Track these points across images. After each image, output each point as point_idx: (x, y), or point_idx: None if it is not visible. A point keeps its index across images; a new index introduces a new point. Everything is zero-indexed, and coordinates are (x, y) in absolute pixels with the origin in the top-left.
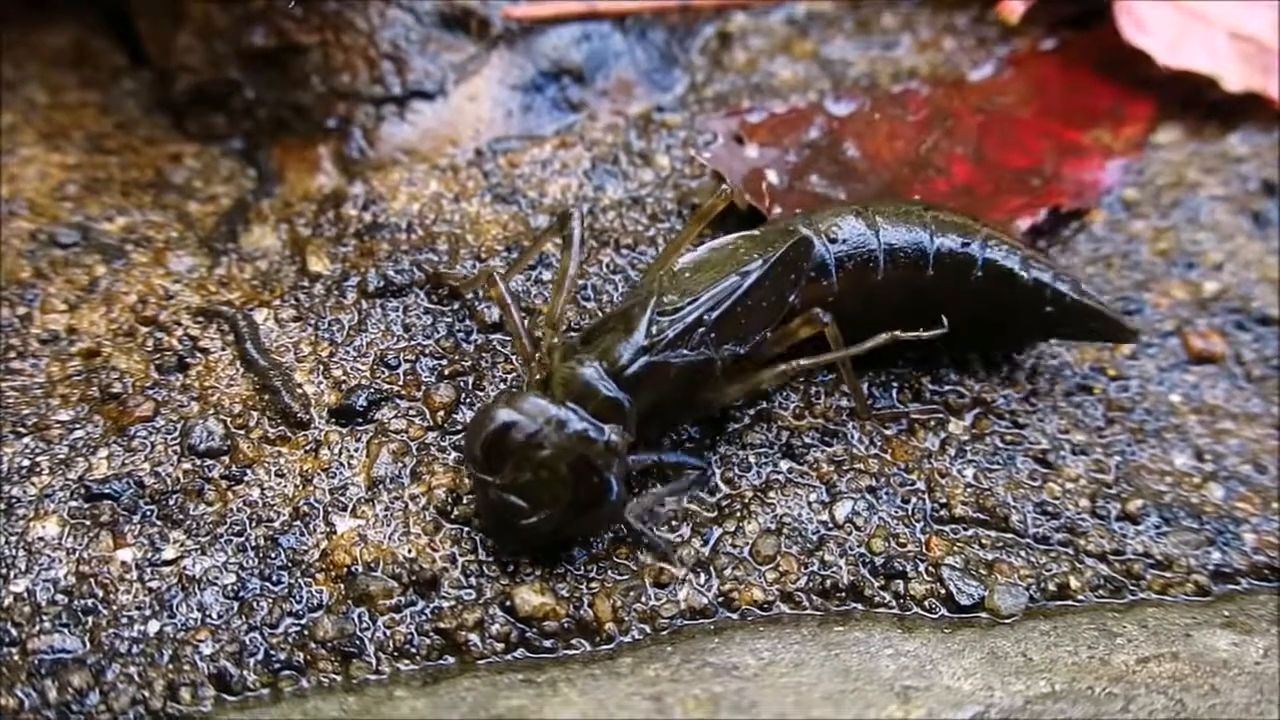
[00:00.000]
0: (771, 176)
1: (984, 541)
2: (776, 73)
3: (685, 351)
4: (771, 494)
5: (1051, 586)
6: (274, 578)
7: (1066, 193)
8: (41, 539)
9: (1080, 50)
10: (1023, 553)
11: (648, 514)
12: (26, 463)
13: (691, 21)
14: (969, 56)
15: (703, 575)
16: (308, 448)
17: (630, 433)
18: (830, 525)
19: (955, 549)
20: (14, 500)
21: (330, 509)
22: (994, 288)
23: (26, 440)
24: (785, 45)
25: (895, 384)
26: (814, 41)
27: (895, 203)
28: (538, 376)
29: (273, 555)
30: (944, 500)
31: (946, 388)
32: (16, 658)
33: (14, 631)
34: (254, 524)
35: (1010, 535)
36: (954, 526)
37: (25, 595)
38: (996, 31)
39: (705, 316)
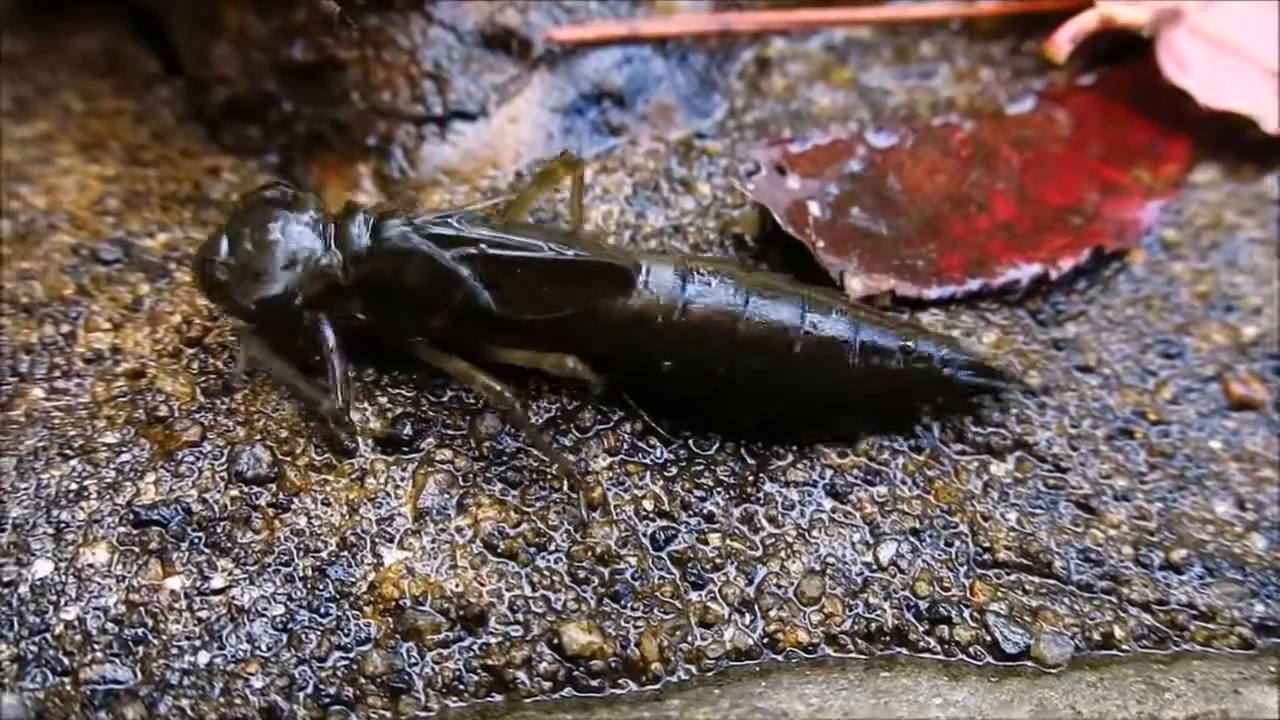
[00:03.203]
0: (814, 208)
1: (1028, 587)
2: (815, 100)
3: (443, 251)
4: (815, 533)
5: (1096, 635)
6: (322, 610)
7: (1108, 233)
8: (91, 565)
9: (1117, 85)
10: (1066, 600)
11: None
12: (74, 486)
13: (730, 46)
14: (1006, 88)
15: (748, 615)
16: (354, 476)
17: (349, 274)
18: (874, 567)
19: (999, 595)
20: (63, 525)
21: (378, 540)
22: (873, 369)
23: (74, 463)
24: (824, 72)
25: (937, 424)
26: (852, 69)
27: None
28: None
29: (321, 587)
30: (987, 544)
31: (989, 429)
32: (69, 687)
33: (66, 660)
34: (302, 554)
35: (1054, 581)
36: (998, 571)
37: (76, 623)
38: (1033, 63)
39: (484, 246)
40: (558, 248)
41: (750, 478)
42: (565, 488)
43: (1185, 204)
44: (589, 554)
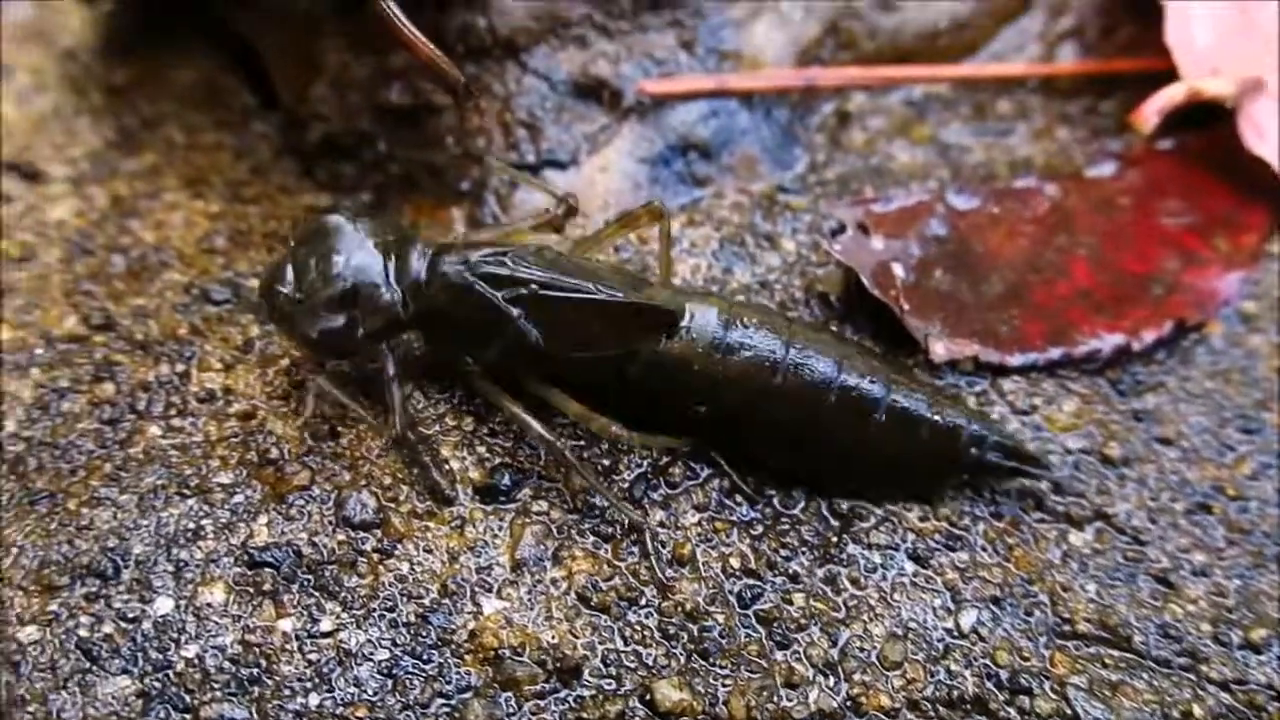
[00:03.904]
0: (897, 270)
1: (1107, 661)
2: (895, 155)
3: (492, 290)
4: (897, 596)
5: (1175, 714)
6: (425, 656)
7: (1188, 304)
8: (209, 604)
9: (1197, 151)
10: (1146, 675)
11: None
12: (192, 525)
13: (811, 99)
14: (1083, 148)
15: (832, 677)
16: (454, 524)
17: (407, 310)
18: (955, 633)
19: (1079, 667)
20: (182, 563)
21: (477, 589)
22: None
23: (191, 502)
24: (903, 128)
25: (1017, 491)
26: (931, 125)
27: (813, 328)
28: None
29: (423, 633)
30: (1067, 615)
31: (1069, 498)
32: None
33: (187, 698)
34: (405, 600)
35: (1133, 656)
36: (1077, 643)
37: (196, 661)
38: (1110, 123)
39: (533, 286)
40: (606, 288)
41: (834, 539)
42: (632, 538)
43: (1263, 275)
44: (678, 610)
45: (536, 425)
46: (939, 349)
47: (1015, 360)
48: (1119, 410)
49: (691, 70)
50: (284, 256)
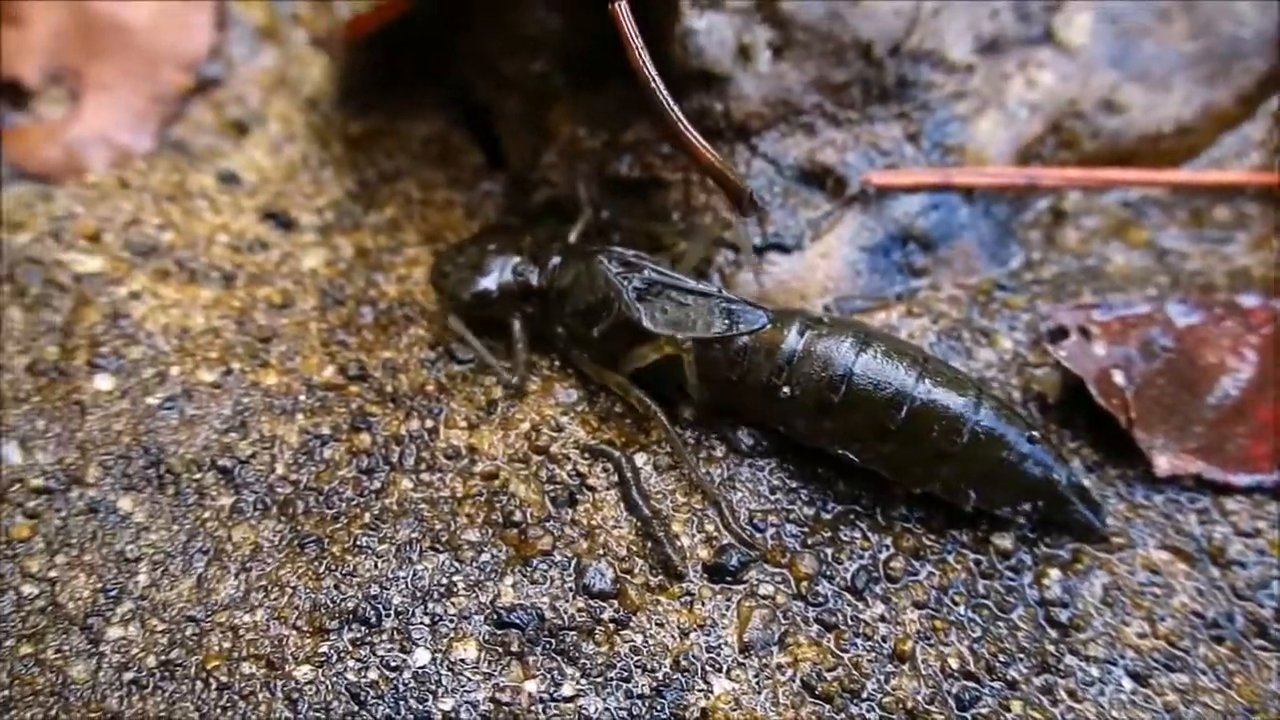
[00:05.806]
0: (1119, 378)
1: None
2: (1110, 258)
3: (613, 268)
4: (1116, 714)
5: None
6: None
7: None
8: (463, 660)
9: None
10: None
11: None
12: (444, 581)
13: (1027, 195)
14: None
15: None
16: (683, 600)
17: (536, 282)
18: None
19: None
20: (437, 617)
21: (708, 667)
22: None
23: (443, 557)
24: (1119, 229)
25: (1241, 615)
26: (1148, 229)
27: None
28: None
29: (658, 707)
30: None
31: None
32: None
33: None
34: (639, 672)
35: None
36: None
37: (452, 714)
38: None
39: (647, 272)
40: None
41: (1051, 649)
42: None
43: None
44: (899, 707)
45: (636, 391)
46: (1163, 464)
47: (1241, 481)
48: None
49: (915, 162)
50: (460, 243)
